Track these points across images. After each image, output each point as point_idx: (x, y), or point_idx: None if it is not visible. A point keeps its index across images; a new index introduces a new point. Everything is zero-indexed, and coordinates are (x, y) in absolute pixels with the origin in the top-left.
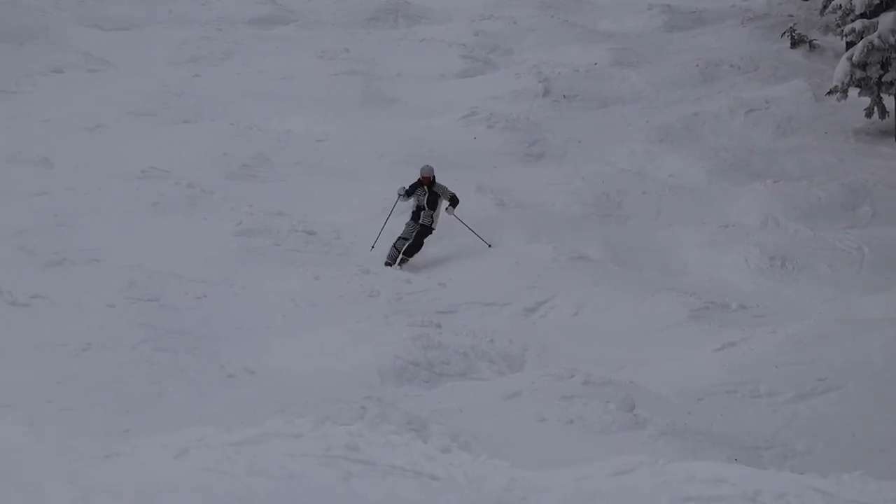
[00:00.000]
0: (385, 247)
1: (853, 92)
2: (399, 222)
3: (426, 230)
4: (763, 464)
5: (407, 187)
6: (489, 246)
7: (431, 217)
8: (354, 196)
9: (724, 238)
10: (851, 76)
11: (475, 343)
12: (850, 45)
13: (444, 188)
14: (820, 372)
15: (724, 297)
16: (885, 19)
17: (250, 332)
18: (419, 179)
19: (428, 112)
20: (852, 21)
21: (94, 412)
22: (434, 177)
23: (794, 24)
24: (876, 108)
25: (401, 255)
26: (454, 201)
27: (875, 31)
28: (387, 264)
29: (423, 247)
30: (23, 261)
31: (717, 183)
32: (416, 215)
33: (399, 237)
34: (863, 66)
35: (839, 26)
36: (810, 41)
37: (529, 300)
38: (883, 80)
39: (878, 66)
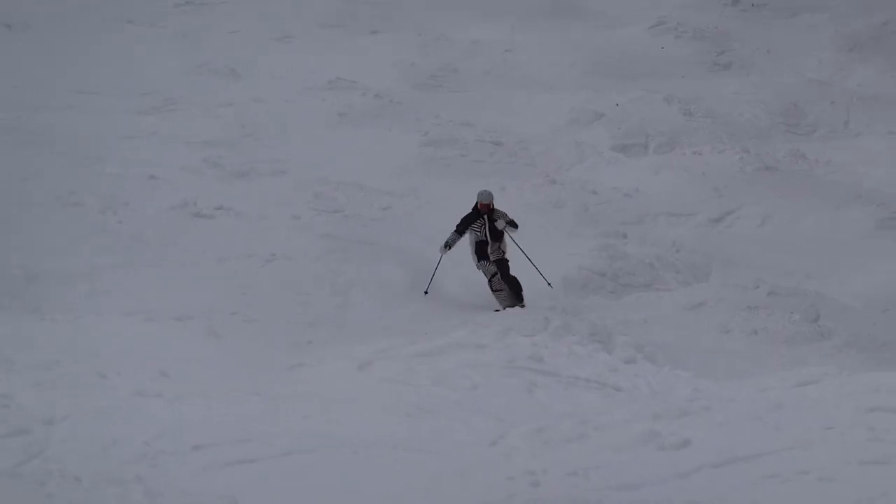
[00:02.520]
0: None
1: None
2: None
3: (505, 266)
4: None
5: (460, 224)
6: (550, 285)
7: (501, 249)
8: (543, 106)
9: None
10: None
11: (661, 253)
12: None
13: (504, 214)
14: None
15: None
16: None
17: (435, 244)
18: (475, 208)
19: (616, 21)
20: None
21: (278, 324)
22: (493, 204)
23: None
24: None
25: (516, 304)
26: (513, 225)
27: None
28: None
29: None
30: (209, 172)
31: None
32: (481, 251)
33: (491, 283)
34: None
35: None
36: None
37: (716, 210)
38: None
39: None
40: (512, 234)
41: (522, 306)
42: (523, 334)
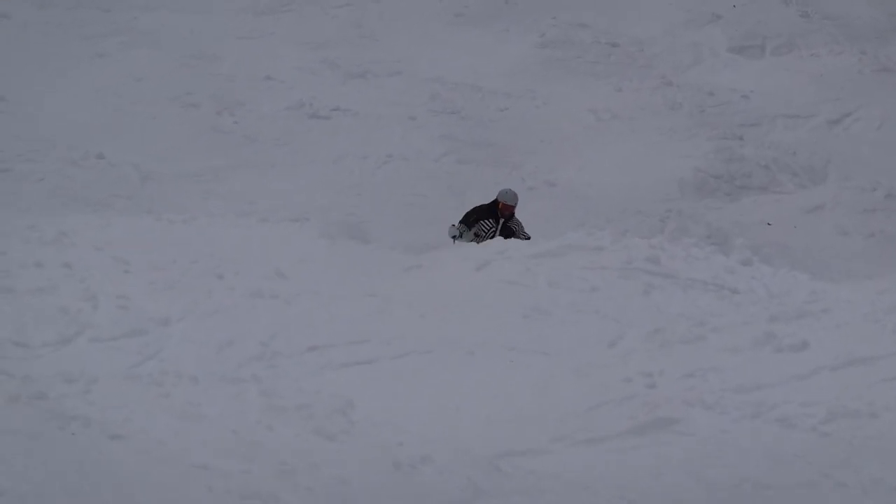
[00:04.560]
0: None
1: None
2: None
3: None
4: None
5: (469, 215)
6: None
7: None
8: (659, 7)
9: None
10: None
11: (777, 155)
12: None
13: (521, 224)
14: None
15: None
16: None
17: (552, 145)
18: (493, 204)
19: None
20: None
21: (394, 225)
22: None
23: None
24: None
25: None
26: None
27: None
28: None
29: None
30: (325, 73)
31: None
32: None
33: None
34: None
35: None
36: None
37: (833, 112)
38: None
39: None
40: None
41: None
42: (640, 236)
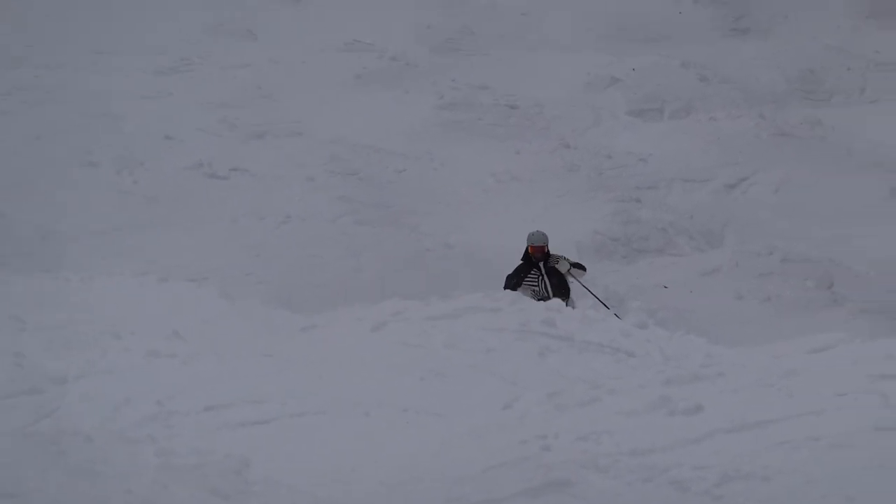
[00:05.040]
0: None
1: None
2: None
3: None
4: None
5: (509, 280)
6: (617, 317)
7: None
8: (559, 70)
9: None
10: None
11: (675, 219)
12: None
13: (565, 257)
14: None
15: None
16: None
17: (450, 207)
18: (525, 256)
19: None
20: None
21: (291, 285)
22: (548, 247)
23: None
24: None
25: None
26: (580, 267)
27: None
28: None
29: None
30: (224, 133)
31: None
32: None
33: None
34: None
35: None
36: None
37: (731, 176)
38: None
39: None
40: (579, 278)
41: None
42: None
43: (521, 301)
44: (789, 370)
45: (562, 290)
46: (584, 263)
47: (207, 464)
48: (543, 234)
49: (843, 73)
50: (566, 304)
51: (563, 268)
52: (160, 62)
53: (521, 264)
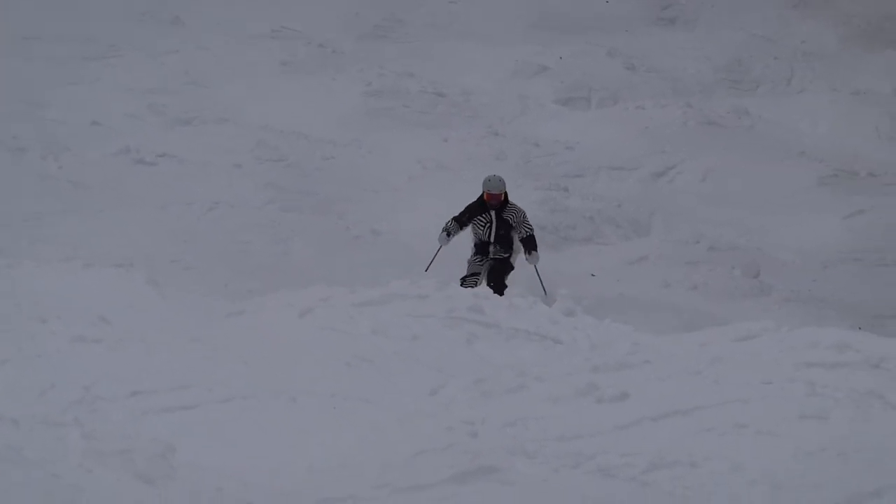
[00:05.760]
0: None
1: None
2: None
3: (504, 264)
4: (888, 332)
5: (455, 217)
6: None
7: (503, 256)
8: (486, 58)
9: (854, 105)
10: None
11: (602, 207)
12: None
13: (522, 214)
14: None
15: (854, 165)
16: None
17: (377, 194)
18: (480, 198)
19: None
20: None
21: (218, 271)
22: (506, 194)
23: None
24: None
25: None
26: (531, 244)
27: None
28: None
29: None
30: (152, 119)
31: (850, 49)
32: (481, 248)
33: (464, 276)
34: None
35: None
36: None
37: (658, 165)
38: None
39: None
40: (532, 260)
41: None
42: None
43: (447, 288)
44: (716, 358)
45: (505, 243)
46: (535, 238)
47: (133, 449)
48: (501, 180)
49: (770, 62)
50: (509, 258)
51: (518, 235)
52: (87, 49)
53: (475, 203)
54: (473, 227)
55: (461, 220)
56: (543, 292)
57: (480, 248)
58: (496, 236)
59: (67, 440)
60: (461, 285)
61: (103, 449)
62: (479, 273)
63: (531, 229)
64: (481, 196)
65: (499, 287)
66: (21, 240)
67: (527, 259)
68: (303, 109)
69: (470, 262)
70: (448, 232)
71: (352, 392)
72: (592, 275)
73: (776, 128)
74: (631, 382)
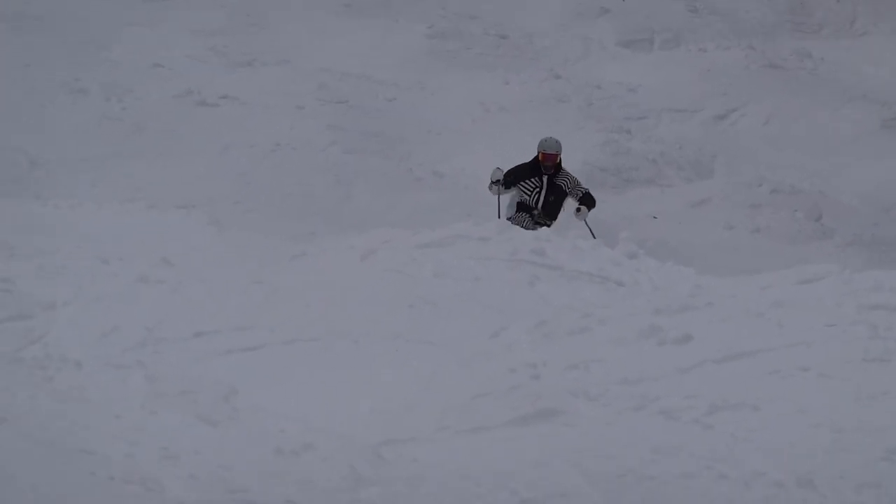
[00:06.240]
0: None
1: None
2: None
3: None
4: None
5: (508, 175)
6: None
7: (548, 224)
8: (548, 0)
9: None
10: None
11: (664, 149)
12: None
13: (576, 180)
14: None
15: None
16: None
17: (439, 136)
18: (535, 159)
19: None
20: None
21: (280, 214)
22: (560, 159)
23: None
24: None
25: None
26: (590, 202)
27: None
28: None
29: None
30: (213, 61)
31: None
32: (525, 209)
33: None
34: None
35: None
36: None
37: (720, 107)
38: None
39: None
40: (581, 215)
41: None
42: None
43: (510, 230)
44: (778, 301)
45: (553, 211)
46: (593, 196)
47: (196, 390)
48: (557, 142)
49: (833, 4)
50: (550, 221)
51: (572, 197)
52: None
53: (525, 165)
54: (519, 192)
55: (506, 181)
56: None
57: (523, 208)
58: (544, 202)
59: (130, 381)
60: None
61: (166, 390)
62: (530, 223)
63: (588, 189)
64: (534, 159)
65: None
66: (83, 181)
67: (576, 215)
68: (365, 51)
69: (516, 218)
70: (497, 182)
71: (414, 334)
72: (655, 217)
73: (839, 70)
74: (693, 325)
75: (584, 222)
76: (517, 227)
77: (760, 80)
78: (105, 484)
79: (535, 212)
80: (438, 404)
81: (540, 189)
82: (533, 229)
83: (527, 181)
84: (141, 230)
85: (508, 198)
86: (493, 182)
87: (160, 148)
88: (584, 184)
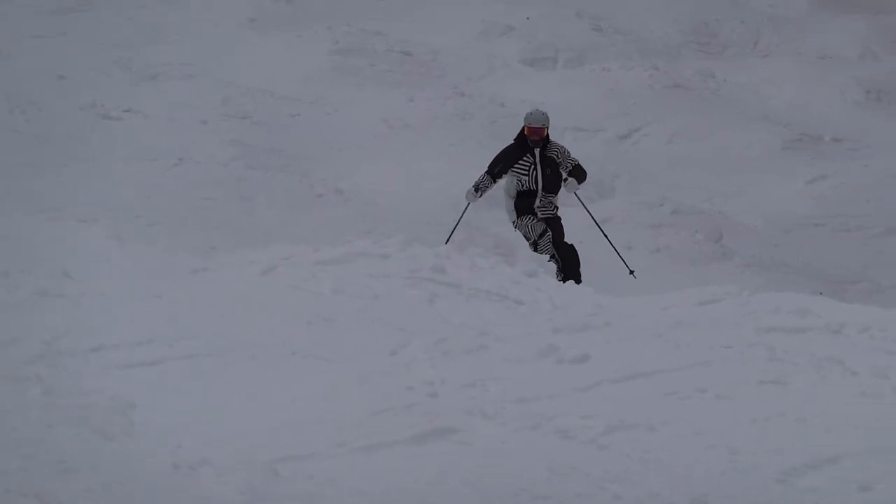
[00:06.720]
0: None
1: None
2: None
3: (558, 225)
4: (848, 298)
5: (495, 164)
6: (633, 274)
7: (553, 204)
8: (453, 18)
9: (820, 70)
10: None
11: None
12: None
13: (565, 150)
14: None
15: (819, 130)
16: None
17: (342, 153)
18: (518, 138)
19: None
20: None
21: (182, 227)
22: (548, 130)
23: None
24: None
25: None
26: (581, 174)
27: None
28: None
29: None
30: (117, 74)
31: (817, 14)
32: (526, 204)
33: (536, 245)
34: None
35: None
36: None
37: (623, 127)
38: None
39: None
40: (578, 193)
41: (578, 282)
42: (426, 245)
43: (410, 248)
44: (677, 321)
45: (554, 184)
46: (584, 168)
47: (93, 404)
48: (544, 114)
49: (737, 25)
50: (552, 200)
51: (571, 188)
52: (55, 2)
53: (512, 146)
54: (514, 177)
55: (495, 172)
56: (629, 270)
57: (522, 199)
58: (543, 178)
59: (27, 394)
60: (535, 250)
61: (63, 404)
62: (547, 230)
63: (578, 160)
64: (519, 136)
65: (571, 255)
66: None
67: (565, 187)
68: (269, 66)
69: (521, 222)
70: (478, 188)
71: (312, 350)
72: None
73: (742, 91)
74: (591, 344)
75: (574, 194)
76: (520, 233)
77: (664, 100)
78: (0, 497)
79: (538, 198)
80: (336, 421)
81: (534, 165)
82: (545, 253)
83: (519, 162)
84: (41, 243)
85: (505, 201)
86: (471, 188)
87: (63, 160)
88: (574, 154)
